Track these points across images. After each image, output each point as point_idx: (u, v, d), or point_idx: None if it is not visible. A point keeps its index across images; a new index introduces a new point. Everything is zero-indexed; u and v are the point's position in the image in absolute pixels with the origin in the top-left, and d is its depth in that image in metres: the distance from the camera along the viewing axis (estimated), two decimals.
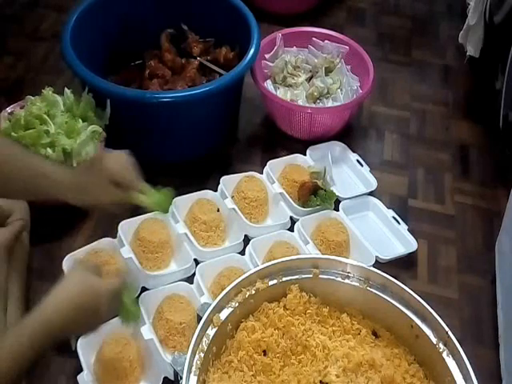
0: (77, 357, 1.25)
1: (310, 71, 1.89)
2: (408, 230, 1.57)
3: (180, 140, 1.67)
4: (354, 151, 1.76)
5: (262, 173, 1.65)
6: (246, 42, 1.67)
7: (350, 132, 1.85)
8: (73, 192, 1.10)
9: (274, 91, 1.83)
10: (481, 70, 1.98)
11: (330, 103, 1.81)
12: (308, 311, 1.16)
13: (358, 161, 1.73)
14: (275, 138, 1.82)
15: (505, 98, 1.72)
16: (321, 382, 1.07)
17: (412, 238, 1.55)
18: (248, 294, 1.12)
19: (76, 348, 1.26)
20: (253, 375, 1.07)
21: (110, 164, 1.11)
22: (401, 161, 1.81)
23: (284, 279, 1.16)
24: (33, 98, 1.56)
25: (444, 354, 1.06)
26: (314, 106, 1.80)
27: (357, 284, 1.16)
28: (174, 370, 1.08)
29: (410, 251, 1.53)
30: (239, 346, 1.09)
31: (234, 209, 1.54)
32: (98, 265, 1.17)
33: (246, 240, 1.51)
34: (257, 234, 1.52)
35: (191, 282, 1.41)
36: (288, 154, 1.71)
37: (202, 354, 1.03)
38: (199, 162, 1.72)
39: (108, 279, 1.08)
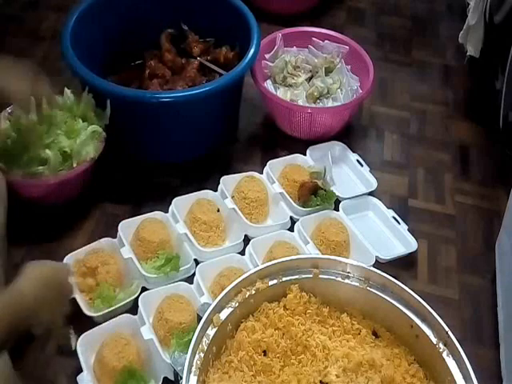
0: (77, 357, 1.25)
1: (310, 71, 1.89)
2: (408, 229, 1.57)
3: (180, 140, 1.67)
4: (353, 151, 1.76)
5: (262, 173, 1.65)
6: (246, 42, 1.67)
7: (349, 132, 1.85)
8: None
9: (274, 91, 1.82)
10: (481, 70, 1.98)
11: (330, 103, 1.81)
12: (308, 311, 1.16)
13: (358, 161, 1.73)
14: (275, 137, 1.82)
15: (505, 98, 1.72)
16: (321, 381, 1.07)
17: (412, 237, 1.55)
18: (248, 293, 1.12)
19: (76, 348, 1.26)
20: (253, 375, 1.07)
21: None
22: (401, 161, 1.81)
23: (284, 279, 1.16)
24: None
25: (444, 354, 1.06)
26: (314, 106, 1.80)
27: (357, 284, 1.16)
28: (174, 370, 1.08)
29: (410, 251, 1.53)
30: (239, 346, 1.09)
31: (234, 209, 1.54)
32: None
33: (246, 240, 1.51)
34: (257, 233, 1.52)
35: (191, 282, 1.41)
36: (288, 154, 1.71)
37: (202, 354, 1.03)
38: (199, 162, 1.72)
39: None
